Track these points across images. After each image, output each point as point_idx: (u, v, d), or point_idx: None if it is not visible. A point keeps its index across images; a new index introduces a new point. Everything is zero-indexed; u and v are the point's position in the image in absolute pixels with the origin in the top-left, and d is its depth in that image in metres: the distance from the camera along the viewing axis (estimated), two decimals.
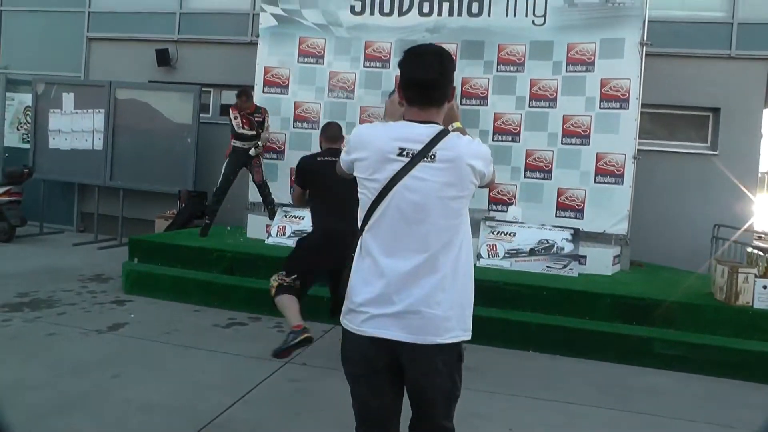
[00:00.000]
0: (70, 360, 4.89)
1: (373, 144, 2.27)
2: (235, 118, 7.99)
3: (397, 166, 2.21)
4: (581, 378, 5.20)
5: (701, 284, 6.60)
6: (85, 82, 11.00)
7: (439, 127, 2.27)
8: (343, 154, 2.40)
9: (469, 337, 2.31)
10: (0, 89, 11.44)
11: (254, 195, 8.71)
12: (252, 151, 8.07)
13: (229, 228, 8.69)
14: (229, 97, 10.25)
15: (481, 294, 6.04)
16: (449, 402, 2.36)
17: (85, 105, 10.61)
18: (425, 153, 2.20)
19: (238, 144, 8.10)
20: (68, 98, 10.70)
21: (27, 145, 11.12)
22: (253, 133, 8.08)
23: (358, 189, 2.32)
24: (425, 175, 2.20)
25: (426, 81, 2.27)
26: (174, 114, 10.20)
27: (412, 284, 2.21)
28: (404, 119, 2.33)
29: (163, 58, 10.68)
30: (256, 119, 8.14)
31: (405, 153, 2.21)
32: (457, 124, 2.47)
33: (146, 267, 7.22)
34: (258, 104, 8.33)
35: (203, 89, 10.50)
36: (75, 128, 10.69)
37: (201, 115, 10.35)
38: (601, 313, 5.93)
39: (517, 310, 6.03)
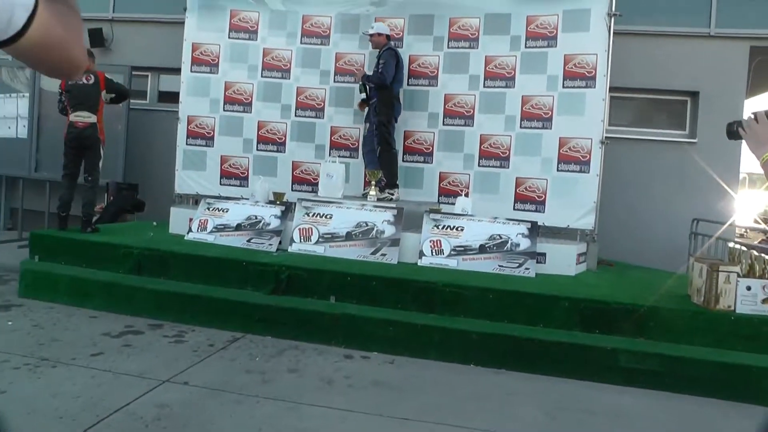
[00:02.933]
0: None
1: None
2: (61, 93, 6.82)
3: None
4: (529, 398, 4.25)
5: (677, 286, 5.70)
6: (6, 63, 9.96)
7: None
8: None
9: None
10: None
11: (181, 186, 7.80)
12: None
13: (155, 223, 7.70)
14: (170, 82, 9.34)
15: (417, 298, 5.25)
16: None
17: (6, 89, 9.60)
18: None
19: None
20: None
21: None
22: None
23: None
24: None
25: None
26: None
27: None
28: None
29: (97, 39, 9.69)
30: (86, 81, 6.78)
31: None
32: None
33: (45, 266, 6.24)
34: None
35: (140, 73, 9.59)
36: None
37: (134, 100, 9.41)
38: (557, 319, 5.00)
39: (458, 316, 5.09)
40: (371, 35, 7.00)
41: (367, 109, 7.14)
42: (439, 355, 4.84)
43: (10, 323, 5.23)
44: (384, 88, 6.83)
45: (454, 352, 4.84)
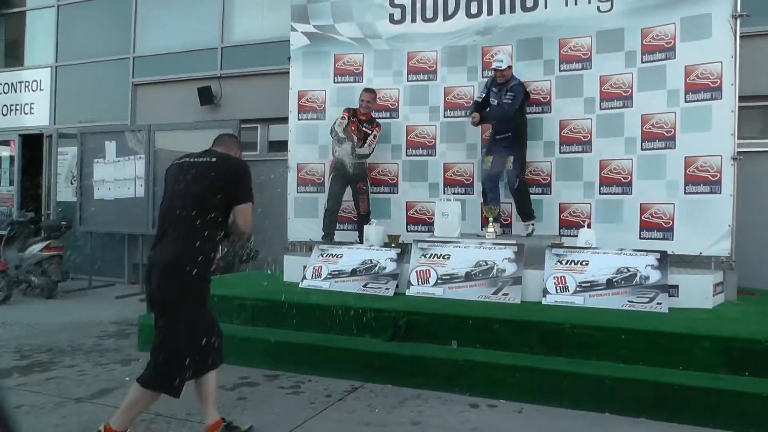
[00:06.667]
0: None
1: None
2: (343, 118, 7.15)
3: None
4: None
5: None
6: (124, 128, 10.63)
7: None
8: None
9: None
10: (50, 144, 11.35)
11: (294, 233, 7.90)
12: (337, 153, 7.17)
13: (269, 271, 7.84)
14: (278, 131, 9.61)
15: (544, 340, 4.98)
16: None
17: (126, 152, 10.25)
18: None
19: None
20: (110, 146, 10.38)
21: None
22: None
23: None
24: None
25: None
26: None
27: None
28: None
29: (206, 96, 10.18)
30: (364, 129, 7.27)
31: None
32: None
33: None
34: (371, 120, 7.37)
35: (249, 125, 9.92)
36: (118, 177, 10.34)
37: (246, 152, 9.67)
38: (700, 361, 4.55)
39: (589, 359, 4.78)
40: (503, 70, 6.72)
41: (488, 142, 7.01)
42: (571, 402, 4.55)
43: (127, 379, 5.38)
44: (509, 120, 6.69)
45: (586, 399, 4.52)
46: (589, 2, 6.91)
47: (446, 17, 7.53)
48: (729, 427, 4.15)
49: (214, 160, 3.58)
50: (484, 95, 6.91)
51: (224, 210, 3.49)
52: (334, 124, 7.18)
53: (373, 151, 7.32)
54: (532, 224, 6.90)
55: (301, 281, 6.71)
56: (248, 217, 3.53)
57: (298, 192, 7.92)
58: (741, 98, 6.23)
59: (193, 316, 3.54)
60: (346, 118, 7.16)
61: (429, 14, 7.57)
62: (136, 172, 10.06)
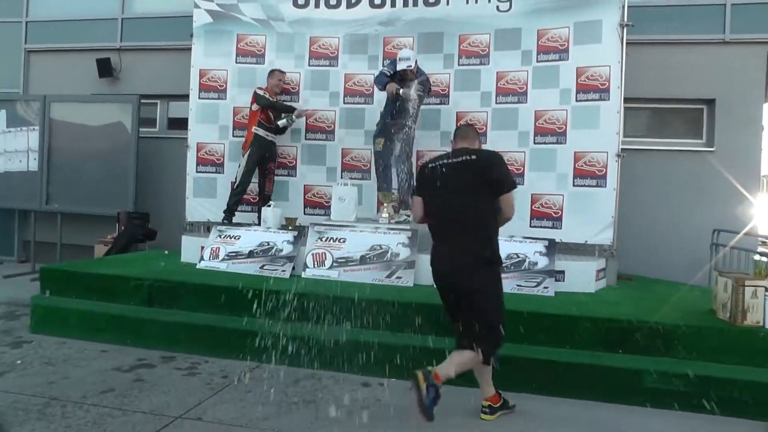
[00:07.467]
0: None
1: None
2: (265, 94, 7.23)
3: None
4: (555, 423, 4.16)
5: (700, 301, 5.56)
6: (15, 96, 10.03)
7: None
8: None
9: None
10: None
11: (192, 213, 7.74)
12: (281, 123, 7.28)
13: (166, 252, 7.65)
14: (178, 108, 9.35)
15: (433, 321, 5.10)
16: None
17: (18, 122, 9.67)
18: None
19: (261, 133, 7.26)
20: (0, 116, 9.75)
21: None
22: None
23: None
24: None
25: None
26: (113, 129, 9.21)
27: None
28: None
29: (105, 68, 9.73)
30: (284, 102, 7.43)
31: None
32: None
33: (56, 300, 6.17)
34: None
35: (149, 101, 9.58)
36: (8, 148, 9.75)
37: (144, 129, 9.40)
38: (580, 340, 4.85)
39: None
40: (412, 68, 6.67)
41: (379, 124, 7.02)
42: (462, 380, 4.69)
43: (19, 362, 5.14)
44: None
45: (474, 376, 4.70)
46: (489, 1, 7.17)
47: (349, 5, 7.58)
48: (603, 399, 4.47)
49: (474, 157, 3.92)
50: (392, 72, 6.81)
51: (494, 199, 3.88)
52: (260, 95, 7.25)
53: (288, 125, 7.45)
54: (407, 214, 6.78)
55: (199, 262, 6.60)
56: (512, 205, 3.93)
57: (197, 172, 7.79)
58: (625, 100, 6.69)
59: (501, 293, 4.01)
60: (268, 93, 7.28)
61: (333, 1, 7.60)
62: (29, 144, 9.54)
